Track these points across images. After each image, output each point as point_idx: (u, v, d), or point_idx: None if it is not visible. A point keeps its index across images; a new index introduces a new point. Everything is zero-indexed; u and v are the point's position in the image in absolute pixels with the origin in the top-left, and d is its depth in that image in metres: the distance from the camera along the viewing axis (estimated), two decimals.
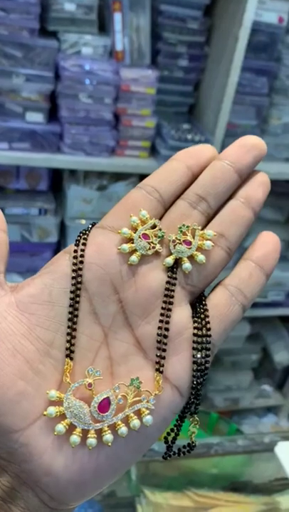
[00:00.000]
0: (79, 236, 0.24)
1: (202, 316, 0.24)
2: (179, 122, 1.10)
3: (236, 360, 1.55)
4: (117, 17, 1.00)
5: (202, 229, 0.25)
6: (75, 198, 1.10)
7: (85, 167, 1.06)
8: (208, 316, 0.24)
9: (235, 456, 0.73)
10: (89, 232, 0.25)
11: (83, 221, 1.13)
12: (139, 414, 0.23)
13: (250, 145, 0.25)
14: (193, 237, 0.24)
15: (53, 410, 0.21)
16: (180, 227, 0.25)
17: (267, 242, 0.25)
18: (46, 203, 1.12)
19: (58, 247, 1.19)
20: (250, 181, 0.26)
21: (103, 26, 1.03)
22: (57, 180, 1.16)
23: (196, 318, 0.24)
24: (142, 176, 1.13)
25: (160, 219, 0.25)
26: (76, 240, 0.24)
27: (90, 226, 0.25)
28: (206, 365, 0.23)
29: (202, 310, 0.24)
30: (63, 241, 1.18)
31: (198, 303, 0.25)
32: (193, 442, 0.25)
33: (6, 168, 1.07)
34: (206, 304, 0.24)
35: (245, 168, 0.25)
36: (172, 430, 0.25)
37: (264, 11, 1.00)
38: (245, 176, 0.26)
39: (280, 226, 1.31)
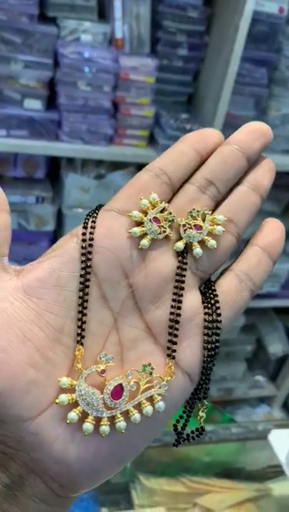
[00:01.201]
0: (87, 218, 0.24)
1: (212, 301, 0.24)
2: (177, 112, 1.10)
3: (230, 351, 1.56)
4: (117, 4, 0.99)
5: (211, 214, 0.25)
6: (72, 187, 1.10)
7: (82, 155, 1.06)
8: (218, 302, 0.24)
9: (229, 444, 0.74)
10: (97, 214, 0.24)
11: (80, 210, 1.13)
12: (151, 400, 0.22)
13: (258, 131, 0.25)
14: (204, 222, 0.24)
15: (65, 398, 0.21)
16: (190, 212, 0.24)
17: (274, 228, 0.25)
18: (43, 191, 1.12)
19: (54, 236, 1.19)
20: (257, 167, 0.26)
21: (103, 13, 1.03)
22: (54, 168, 1.15)
23: (206, 304, 0.24)
24: (140, 165, 1.13)
25: (168, 202, 0.25)
26: (84, 223, 0.23)
27: (97, 208, 0.24)
28: (216, 350, 0.24)
29: (212, 295, 0.24)
30: (60, 230, 1.17)
31: (207, 288, 0.25)
32: (202, 427, 0.24)
33: (3, 155, 1.06)
34: (215, 290, 0.24)
35: (254, 154, 0.25)
36: (181, 417, 0.25)
37: (265, 1, 0.99)
38: (252, 162, 0.26)
39: (276, 218, 1.31)
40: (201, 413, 0.24)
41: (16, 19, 0.92)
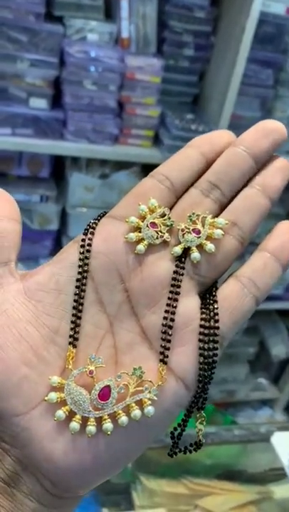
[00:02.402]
0: (88, 225, 0.24)
1: (210, 307, 0.23)
2: (183, 112, 1.10)
3: (233, 353, 1.55)
4: (124, 4, 0.99)
5: (214, 217, 0.24)
6: (76, 186, 1.10)
7: (87, 154, 1.06)
8: (216, 308, 0.23)
9: (231, 446, 0.74)
10: (98, 221, 0.24)
11: (84, 209, 1.13)
12: (140, 404, 0.22)
13: (268, 129, 0.24)
14: (203, 226, 0.24)
15: (54, 396, 0.22)
16: (189, 216, 0.24)
17: (284, 231, 0.24)
18: (48, 190, 1.12)
19: (58, 235, 1.19)
20: (267, 167, 0.25)
21: (109, 13, 1.03)
22: (59, 167, 1.15)
23: (204, 310, 0.23)
24: (145, 165, 1.13)
25: (172, 208, 0.24)
26: (85, 229, 0.24)
27: (101, 215, 0.25)
28: (214, 358, 0.23)
29: (211, 301, 0.23)
30: (64, 229, 1.17)
31: (207, 294, 0.24)
32: (200, 441, 0.24)
33: (8, 154, 1.06)
34: (215, 295, 0.24)
35: (262, 154, 0.24)
36: (179, 425, 0.24)
37: (272, 2, 0.99)
38: (262, 162, 0.25)
39: (281, 220, 1.30)
40: (198, 425, 0.24)
41: (22, 18, 0.92)
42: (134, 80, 1.01)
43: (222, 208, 0.25)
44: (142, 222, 0.24)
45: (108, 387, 0.22)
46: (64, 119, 1.01)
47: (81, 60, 0.96)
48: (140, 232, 0.24)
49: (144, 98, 1.03)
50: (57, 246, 1.19)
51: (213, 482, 0.70)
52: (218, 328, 0.23)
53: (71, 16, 0.97)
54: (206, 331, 0.23)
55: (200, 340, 0.23)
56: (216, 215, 0.24)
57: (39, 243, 1.17)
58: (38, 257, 1.17)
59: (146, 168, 1.12)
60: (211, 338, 0.23)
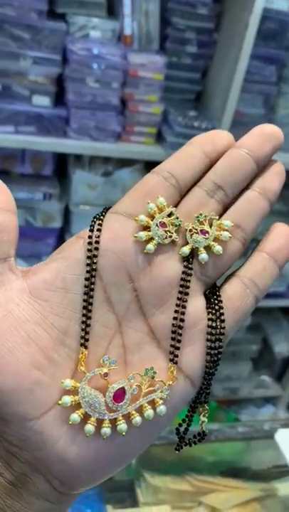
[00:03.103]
0: (93, 221, 0.24)
1: (216, 307, 0.24)
2: (185, 109, 1.10)
3: (236, 350, 1.55)
4: (127, 1, 0.99)
5: (219, 218, 0.25)
6: (79, 184, 1.10)
7: (90, 152, 1.06)
8: (222, 308, 0.24)
9: (235, 443, 0.74)
10: (103, 217, 0.24)
11: (87, 207, 1.13)
12: (153, 404, 0.23)
13: (268, 134, 0.25)
14: (210, 227, 0.24)
15: (68, 399, 0.21)
16: (197, 217, 0.24)
17: (281, 234, 0.25)
18: (51, 188, 1.12)
19: (61, 233, 1.19)
20: (266, 171, 0.25)
21: (112, 10, 1.02)
22: (62, 165, 1.15)
23: (210, 310, 0.24)
24: (148, 163, 1.13)
25: (176, 206, 0.25)
26: (90, 226, 0.24)
27: (104, 211, 0.25)
28: (219, 355, 0.24)
29: (216, 301, 0.24)
30: (67, 227, 1.17)
31: (212, 294, 0.25)
32: (204, 431, 0.24)
33: (11, 151, 1.06)
34: (220, 295, 0.24)
35: (263, 158, 0.25)
36: (184, 421, 0.25)
37: None
38: (262, 166, 0.25)
39: (284, 217, 1.30)
40: (202, 418, 0.24)
41: (25, 15, 0.92)
42: (137, 77, 1.00)
43: (224, 208, 0.25)
44: (151, 221, 0.24)
45: (123, 388, 0.22)
46: (67, 117, 1.01)
47: (84, 58, 0.96)
48: (149, 231, 0.23)
49: (147, 95, 1.03)
50: (60, 244, 1.18)
51: (217, 479, 0.70)
52: (224, 328, 0.23)
53: (74, 13, 0.97)
54: (213, 331, 0.23)
55: (208, 340, 0.24)
56: (220, 216, 0.25)
57: (42, 241, 1.17)
58: (41, 255, 1.17)
59: (149, 166, 1.12)
60: (218, 337, 0.23)
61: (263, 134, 0.25)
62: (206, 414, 0.24)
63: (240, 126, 1.09)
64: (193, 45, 1.07)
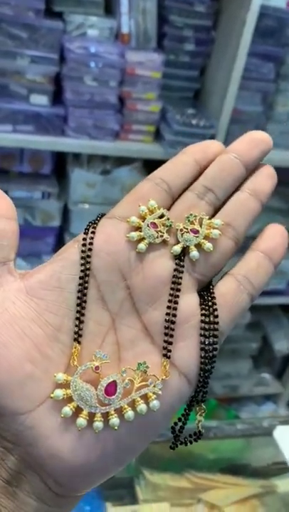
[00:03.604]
0: (88, 225, 0.25)
1: (210, 303, 0.24)
2: (184, 107, 1.10)
3: (236, 348, 1.55)
4: None
5: (209, 219, 0.25)
6: (78, 182, 1.10)
7: (88, 151, 1.06)
8: (215, 304, 0.24)
9: (234, 440, 0.74)
10: (98, 221, 0.25)
11: (86, 205, 1.13)
12: (146, 398, 0.23)
13: (257, 139, 0.26)
14: (201, 226, 0.25)
15: (60, 393, 0.22)
16: (187, 217, 0.25)
17: (275, 233, 0.26)
18: (49, 187, 1.12)
19: (60, 232, 1.19)
20: (256, 174, 0.26)
21: (109, 8, 1.02)
22: (60, 163, 1.15)
23: (203, 306, 0.24)
24: (146, 161, 1.12)
25: (168, 210, 0.26)
26: (85, 229, 0.25)
27: (100, 216, 0.26)
28: (214, 352, 0.24)
29: (209, 298, 0.24)
30: (66, 225, 1.17)
31: (205, 291, 0.25)
32: (200, 431, 0.25)
33: (9, 150, 1.06)
34: (213, 292, 0.25)
35: (252, 162, 0.26)
36: (179, 419, 0.25)
37: None
38: (251, 170, 0.26)
39: (284, 214, 1.30)
40: (198, 417, 0.25)
41: (22, 14, 0.92)
42: (135, 75, 1.00)
43: (216, 210, 0.26)
44: (142, 222, 0.25)
45: (114, 382, 0.22)
46: (65, 116, 1.01)
47: (81, 56, 0.96)
48: (141, 231, 0.24)
49: (145, 93, 1.03)
50: (59, 242, 1.19)
51: (216, 476, 0.70)
52: (217, 323, 0.24)
53: (71, 12, 0.97)
54: (207, 326, 0.24)
55: (201, 335, 0.24)
56: (211, 217, 0.26)
57: (41, 240, 1.17)
58: (41, 254, 1.18)
59: (148, 164, 1.12)
60: (212, 333, 0.24)
61: (252, 140, 0.26)
62: (203, 414, 0.25)
63: (238, 124, 1.09)
64: (190, 43, 1.07)
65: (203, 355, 0.24)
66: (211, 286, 0.25)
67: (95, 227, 0.25)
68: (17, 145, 1.02)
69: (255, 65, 1.06)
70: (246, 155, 0.26)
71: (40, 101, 1.00)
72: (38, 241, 1.17)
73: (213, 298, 0.24)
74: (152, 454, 0.69)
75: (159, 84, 1.03)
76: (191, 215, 0.25)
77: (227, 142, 0.26)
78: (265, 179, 0.26)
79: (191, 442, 0.25)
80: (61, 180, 1.15)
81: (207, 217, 0.25)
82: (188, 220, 0.25)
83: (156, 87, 1.03)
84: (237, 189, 0.26)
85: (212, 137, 1.06)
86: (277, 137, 1.14)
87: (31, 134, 1.01)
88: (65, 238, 1.16)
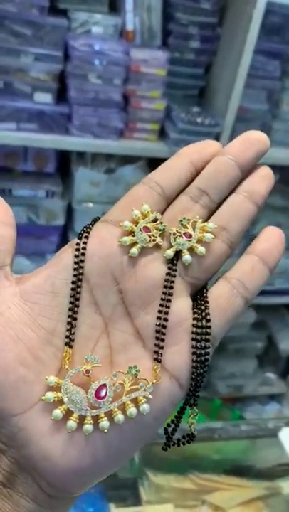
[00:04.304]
0: (82, 230, 0.25)
1: (202, 307, 0.24)
2: (189, 105, 1.09)
3: (241, 348, 1.55)
4: None
5: (203, 222, 0.25)
6: (82, 181, 1.09)
7: (93, 149, 1.05)
8: (208, 308, 0.24)
9: (239, 442, 0.74)
10: (92, 226, 0.25)
11: (90, 204, 1.12)
12: (136, 402, 0.23)
13: (253, 140, 0.26)
14: (194, 230, 0.25)
15: (50, 395, 0.22)
16: (181, 220, 0.25)
17: (271, 236, 0.25)
18: (53, 186, 1.11)
19: (64, 230, 1.19)
20: (252, 175, 0.26)
21: (114, 5, 1.02)
22: (64, 162, 1.15)
23: (196, 310, 0.24)
24: (151, 159, 1.12)
25: (162, 213, 0.26)
26: (79, 234, 0.25)
27: (94, 220, 0.26)
28: (206, 356, 0.24)
29: (202, 302, 0.24)
30: (70, 224, 1.17)
31: (199, 295, 0.25)
32: (192, 433, 0.25)
33: (13, 149, 1.06)
34: (206, 296, 0.25)
35: (247, 163, 0.25)
36: (172, 422, 0.25)
37: None
38: (247, 171, 0.26)
39: (287, 212, 1.29)
40: (190, 420, 0.25)
41: (26, 11, 0.92)
42: (139, 73, 1.00)
43: (210, 213, 0.26)
44: (135, 226, 0.25)
45: (104, 385, 0.23)
46: (69, 114, 1.01)
47: (86, 54, 0.95)
48: (133, 236, 0.24)
49: (150, 91, 1.02)
50: (63, 241, 1.19)
51: (220, 477, 0.70)
52: (210, 327, 0.24)
53: (75, 9, 0.96)
54: (199, 330, 0.24)
55: (193, 339, 0.24)
56: (205, 220, 0.26)
57: (45, 239, 1.17)
58: (45, 253, 1.17)
59: (152, 162, 1.12)
60: (204, 337, 0.24)
61: (248, 140, 0.26)
62: (195, 417, 0.25)
63: (243, 122, 1.08)
64: (196, 41, 1.06)
65: (195, 359, 0.24)
66: (205, 290, 0.25)
67: (88, 232, 0.25)
68: (21, 143, 1.01)
69: (261, 62, 1.06)
70: (241, 156, 0.25)
71: (44, 99, 1.00)
72: (41, 240, 1.17)
73: (206, 302, 0.24)
74: (156, 455, 0.69)
75: (163, 82, 1.02)
76: (184, 218, 0.25)
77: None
78: (261, 181, 0.26)
79: (184, 444, 0.25)
80: (65, 178, 1.15)
81: (200, 220, 0.25)
82: (182, 224, 0.25)
83: (161, 85, 1.03)
84: (233, 191, 0.26)
85: (217, 135, 1.06)
86: (283, 135, 1.13)
87: (35, 133, 1.00)
88: (69, 237, 1.16)
